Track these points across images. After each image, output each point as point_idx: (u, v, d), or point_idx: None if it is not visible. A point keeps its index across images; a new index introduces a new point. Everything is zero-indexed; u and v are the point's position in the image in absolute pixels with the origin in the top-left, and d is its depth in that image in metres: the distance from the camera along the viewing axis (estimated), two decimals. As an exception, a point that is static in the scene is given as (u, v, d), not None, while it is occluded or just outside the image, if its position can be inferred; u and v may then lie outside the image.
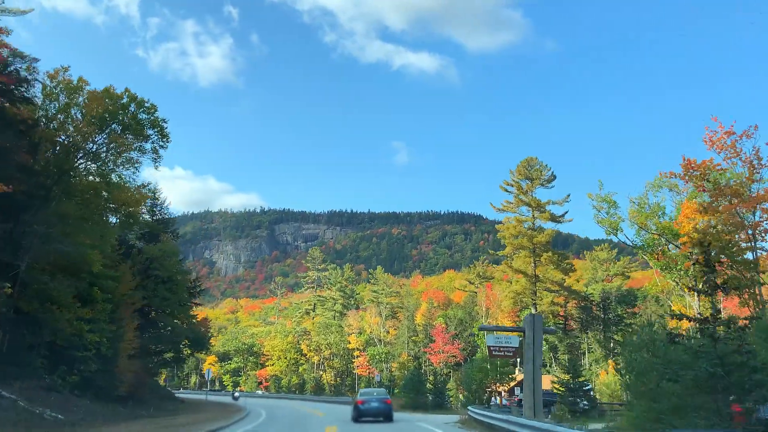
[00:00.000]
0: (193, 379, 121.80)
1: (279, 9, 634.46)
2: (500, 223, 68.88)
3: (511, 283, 67.60)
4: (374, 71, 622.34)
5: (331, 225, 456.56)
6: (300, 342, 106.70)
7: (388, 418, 29.59)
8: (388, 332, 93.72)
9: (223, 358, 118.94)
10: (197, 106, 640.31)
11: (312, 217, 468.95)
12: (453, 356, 76.64)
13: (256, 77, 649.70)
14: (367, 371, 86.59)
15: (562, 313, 66.15)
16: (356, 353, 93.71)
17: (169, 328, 44.73)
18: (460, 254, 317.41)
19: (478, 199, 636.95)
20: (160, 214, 47.08)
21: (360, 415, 29.06)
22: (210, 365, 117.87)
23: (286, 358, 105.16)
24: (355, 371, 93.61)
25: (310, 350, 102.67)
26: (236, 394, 47.46)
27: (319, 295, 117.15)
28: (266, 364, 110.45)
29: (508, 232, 61.55)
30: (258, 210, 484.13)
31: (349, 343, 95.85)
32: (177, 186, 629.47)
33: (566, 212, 64.10)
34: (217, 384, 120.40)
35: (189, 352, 53.20)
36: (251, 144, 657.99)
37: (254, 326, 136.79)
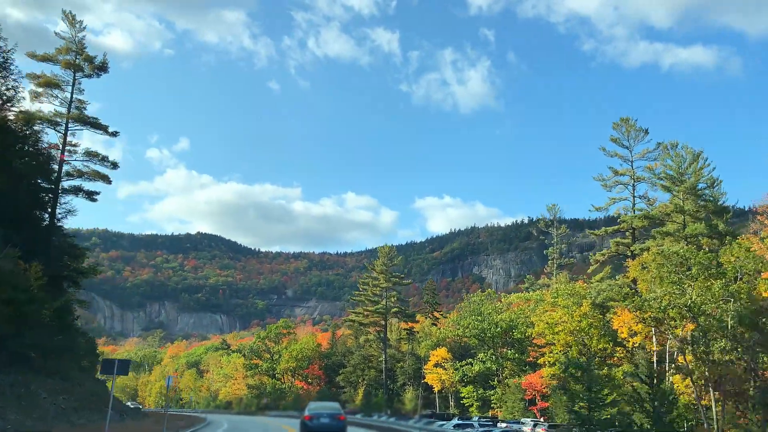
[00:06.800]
0: (408, 393, 69.90)
1: (534, 24, 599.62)
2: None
3: None
4: (640, 74, 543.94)
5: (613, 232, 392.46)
6: (609, 314, 48.45)
7: None
8: None
9: (462, 354, 65.50)
10: (460, 133, 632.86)
11: (587, 224, 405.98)
12: None
13: (515, 96, 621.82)
14: None
15: None
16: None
17: None
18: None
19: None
20: None
21: None
22: (432, 367, 65.64)
23: (580, 347, 47.50)
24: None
25: (636, 326, 43.52)
26: None
27: (635, 214, 56.90)
28: (539, 362, 54.03)
29: None
30: (526, 221, 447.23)
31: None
32: (446, 213, 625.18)
33: None
34: (451, 403, 66.37)
35: None
36: (514, 164, 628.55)
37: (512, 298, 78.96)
